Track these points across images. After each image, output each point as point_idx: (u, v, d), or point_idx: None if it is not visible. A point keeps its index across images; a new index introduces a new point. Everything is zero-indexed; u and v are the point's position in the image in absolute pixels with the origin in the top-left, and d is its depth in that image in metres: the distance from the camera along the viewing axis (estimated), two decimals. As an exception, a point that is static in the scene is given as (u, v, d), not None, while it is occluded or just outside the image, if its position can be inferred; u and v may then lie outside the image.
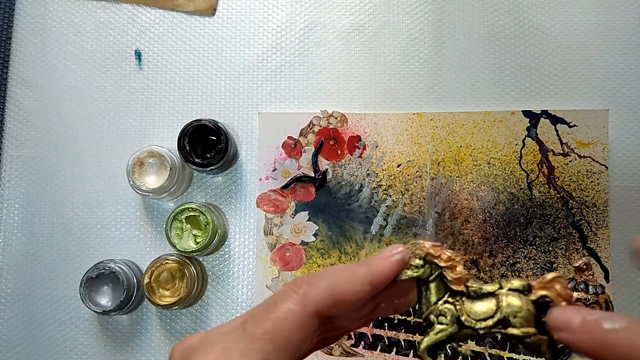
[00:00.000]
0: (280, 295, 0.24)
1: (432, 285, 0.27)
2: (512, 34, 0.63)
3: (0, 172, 0.63)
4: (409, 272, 0.27)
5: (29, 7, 0.65)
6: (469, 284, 0.27)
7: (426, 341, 0.26)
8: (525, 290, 0.26)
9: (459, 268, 0.26)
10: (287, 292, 0.24)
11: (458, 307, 0.26)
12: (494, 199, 0.60)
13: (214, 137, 0.58)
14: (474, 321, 0.26)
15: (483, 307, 0.26)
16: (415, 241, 0.27)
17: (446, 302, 0.26)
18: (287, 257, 0.61)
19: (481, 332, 0.26)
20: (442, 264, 0.27)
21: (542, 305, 0.25)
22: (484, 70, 0.63)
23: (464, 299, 0.26)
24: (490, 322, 0.25)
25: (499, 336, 0.26)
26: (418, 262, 0.27)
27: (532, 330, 0.25)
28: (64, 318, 0.60)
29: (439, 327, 0.26)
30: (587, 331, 0.22)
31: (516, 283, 0.26)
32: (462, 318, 0.26)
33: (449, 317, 0.26)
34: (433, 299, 0.27)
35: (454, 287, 0.26)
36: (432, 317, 0.27)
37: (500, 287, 0.26)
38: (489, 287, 0.26)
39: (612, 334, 0.21)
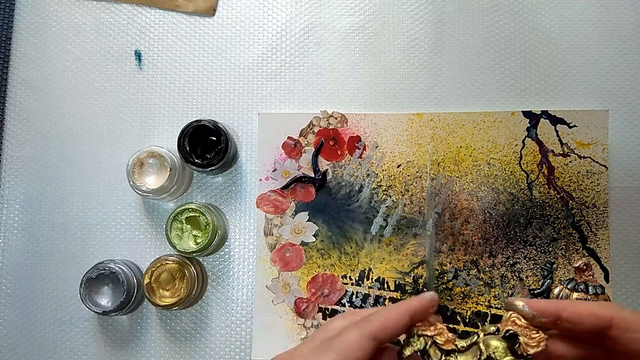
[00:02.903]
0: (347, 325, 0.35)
1: (431, 351, 0.35)
2: (512, 34, 0.63)
3: (0, 172, 0.63)
4: (410, 348, 0.35)
5: (29, 7, 0.65)
6: (456, 342, 0.36)
7: None
8: (496, 331, 0.35)
9: (445, 333, 0.36)
10: (351, 325, 0.34)
11: (453, 359, 0.36)
12: (493, 200, 0.60)
13: (214, 138, 0.58)
14: None
15: (471, 355, 0.35)
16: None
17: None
18: (287, 257, 0.61)
19: None
20: (430, 334, 0.35)
21: (512, 337, 0.35)
22: (484, 70, 0.63)
23: (456, 353, 0.35)
24: None
25: None
26: (415, 339, 0.35)
27: (509, 357, 0.34)
28: (64, 318, 0.61)
29: None
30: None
31: (489, 329, 0.36)
32: None
33: None
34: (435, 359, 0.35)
35: (446, 348, 0.35)
36: None
37: (478, 336, 0.36)
38: (471, 339, 0.36)
39: None
